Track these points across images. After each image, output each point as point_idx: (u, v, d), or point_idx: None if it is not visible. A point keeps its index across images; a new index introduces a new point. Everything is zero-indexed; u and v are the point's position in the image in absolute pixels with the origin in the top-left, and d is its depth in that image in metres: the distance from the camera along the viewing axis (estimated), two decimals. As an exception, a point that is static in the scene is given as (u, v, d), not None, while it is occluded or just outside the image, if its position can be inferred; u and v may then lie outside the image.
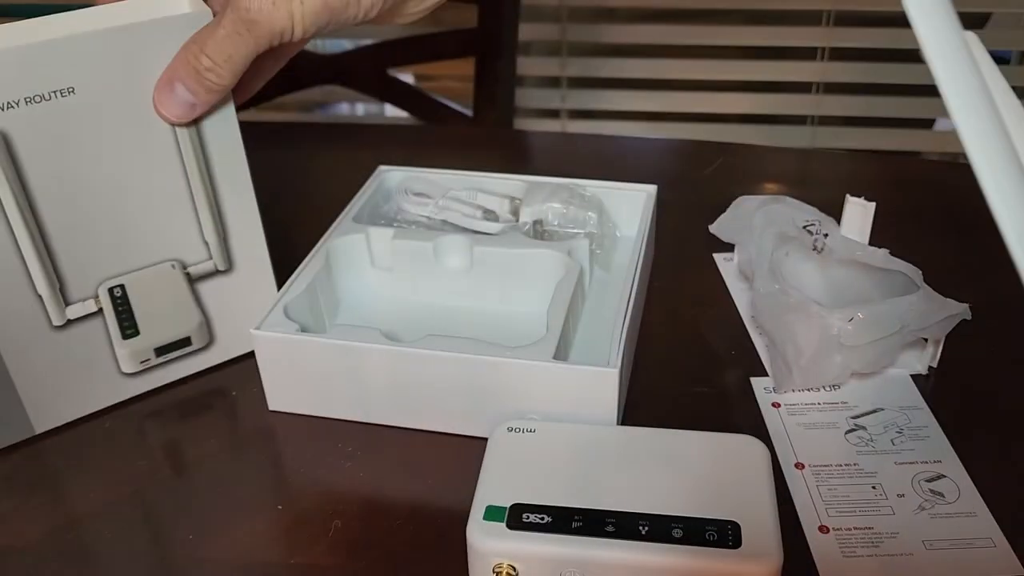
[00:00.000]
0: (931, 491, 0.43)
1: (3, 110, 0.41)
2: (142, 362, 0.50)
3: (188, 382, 0.53)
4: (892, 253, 0.52)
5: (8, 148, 0.42)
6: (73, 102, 0.43)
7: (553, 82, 1.43)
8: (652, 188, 0.60)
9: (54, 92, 0.42)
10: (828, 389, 0.50)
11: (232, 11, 0.41)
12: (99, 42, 0.43)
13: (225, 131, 0.48)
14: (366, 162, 0.64)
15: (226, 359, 0.53)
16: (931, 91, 1.36)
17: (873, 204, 0.54)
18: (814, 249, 0.53)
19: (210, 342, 0.52)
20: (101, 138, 0.45)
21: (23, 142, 0.42)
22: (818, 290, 0.53)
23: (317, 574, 0.41)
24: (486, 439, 0.43)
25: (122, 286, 0.48)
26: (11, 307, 0.45)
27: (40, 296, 0.46)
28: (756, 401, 0.49)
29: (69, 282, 0.46)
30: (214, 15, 0.44)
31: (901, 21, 1.32)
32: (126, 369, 0.50)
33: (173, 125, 0.46)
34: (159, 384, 0.52)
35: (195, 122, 0.47)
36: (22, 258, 0.44)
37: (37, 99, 0.42)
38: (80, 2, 0.45)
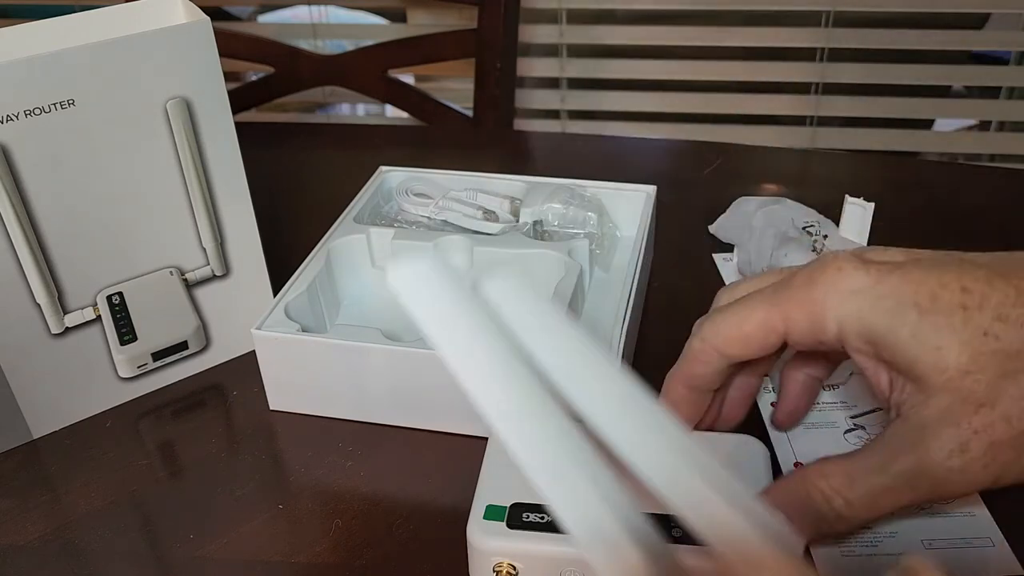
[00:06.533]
0: (930, 491, 0.43)
1: (3, 123, 0.41)
2: (139, 367, 0.51)
3: (189, 382, 0.53)
4: (891, 253, 0.52)
5: (7, 160, 0.42)
6: (72, 114, 0.43)
7: (553, 83, 1.43)
8: (652, 188, 0.60)
9: (53, 104, 0.42)
10: (828, 389, 0.50)
11: (911, 461, 0.33)
12: (98, 54, 0.43)
13: (223, 138, 0.48)
14: (367, 162, 0.64)
15: (222, 361, 0.54)
16: (930, 91, 1.36)
17: (872, 205, 0.54)
18: (813, 250, 0.53)
19: (206, 345, 0.53)
20: (100, 149, 0.45)
21: (22, 154, 0.42)
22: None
23: (317, 573, 0.41)
24: (486, 438, 0.43)
25: (120, 293, 0.48)
26: (9, 316, 0.45)
27: (39, 305, 0.46)
28: (755, 401, 0.49)
29: (68, 290, 0.46)
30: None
31: (900, 22, 1.32)
32: (123, 374, 0.50)
33: None
34: (156, 388, 0.52)
35: (193, 128, 0.47)
36: (21, 268, 0.44)
37: (37, 111, 0.42)
38: (78, 3, 0.46)
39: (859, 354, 0.35)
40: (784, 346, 0.38)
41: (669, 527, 0.37)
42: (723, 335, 0.37)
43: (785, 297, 0.36)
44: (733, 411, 0.43)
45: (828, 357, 0.43)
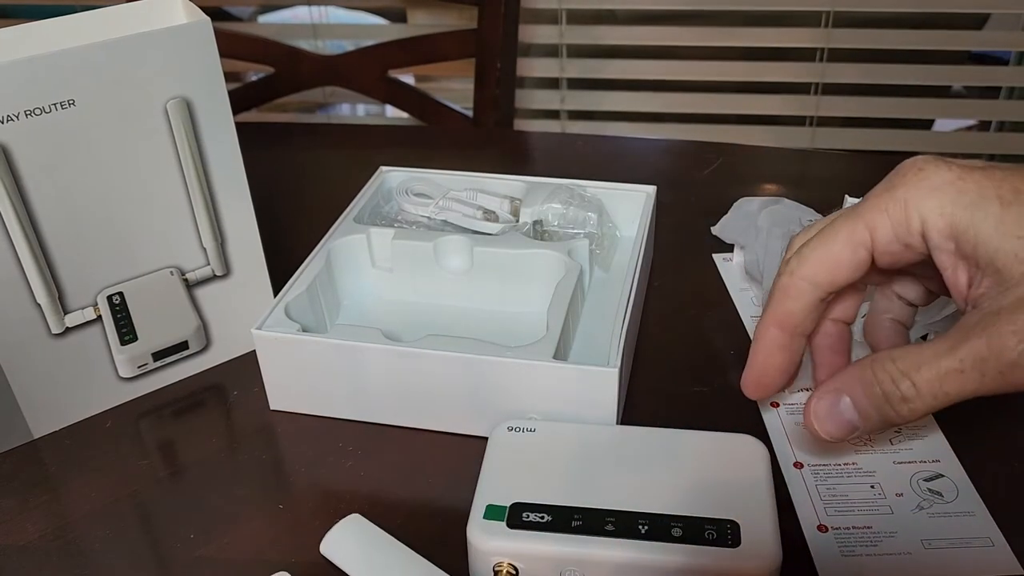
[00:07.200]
0: (929, 490, 0.43)
1: (3, 123, 0.41)
2: (140, 367, 0.51)
3: (190, 382, 0.53)
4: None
5: (8, 160, 0.42)
6: (73, 114, 0.43)
7: (553, 83, 1.43)
8: (651, 189, 0.60)
9: (54, 105, 0.42)
10: (827, 389, 0.50)
11: (981, 344, 0.32)
12: (98, 55, 0.43)
13: (223, 138, 0.48)
14: (367, 163, 0.64)
15: (222, 361, 0.54)
16: (930, 92, 1.36)
17: (872, 204, 0.54)
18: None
19: (207, 345, 0.53)
20: (100, 149, 0.45)
21: (23, 154, 0.43)
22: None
23: (317, 573, 0.41)
24: (486, 439, 0.43)
25: (121, 293, 0.48)
26: (10, 316, 0.45)
27: (39, 305, 0.46)
28: (755, 401, 0.49)
29: (68, 291, 0.46)
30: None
31: (900, 22, 1.32)
32: (124, 374, 0.50)
33: (820, 437, 0.38)
34: (156, 387, 0.52)
35: (194, 128, 0.47)
36: (21, 268, 0.44)
37: (37, 111, 0.42)
38: (79, 3, 0.46)
39: (940, 252, 0.35)
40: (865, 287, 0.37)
41: (669, 527, 0.37)
42: (811, 262, 0.37)
43: (866, 207, 0.36)
44: (832, 360, 0.42)
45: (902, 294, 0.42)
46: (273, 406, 0.50)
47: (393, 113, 1.64)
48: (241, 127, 0.49)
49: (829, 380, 0.37)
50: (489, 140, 0.92)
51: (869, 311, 0.43)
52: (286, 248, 0.56)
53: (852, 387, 0.36)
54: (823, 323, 0.42)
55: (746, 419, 0.48)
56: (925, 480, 0.44)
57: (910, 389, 0.34)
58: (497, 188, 0.60)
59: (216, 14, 1.39)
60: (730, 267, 0.61)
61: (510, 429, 0.43)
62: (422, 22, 1.50)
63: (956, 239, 0.34)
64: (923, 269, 0.39)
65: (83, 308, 0.47)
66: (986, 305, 0.33)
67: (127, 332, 0.49)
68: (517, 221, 0.58)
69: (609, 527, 0.37)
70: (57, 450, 0.48)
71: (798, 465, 0.45)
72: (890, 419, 0.35)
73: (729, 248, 0.62)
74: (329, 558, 0.40)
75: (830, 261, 0.37)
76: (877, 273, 0.40)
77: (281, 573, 0.39)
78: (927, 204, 0.34)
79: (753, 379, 0.40)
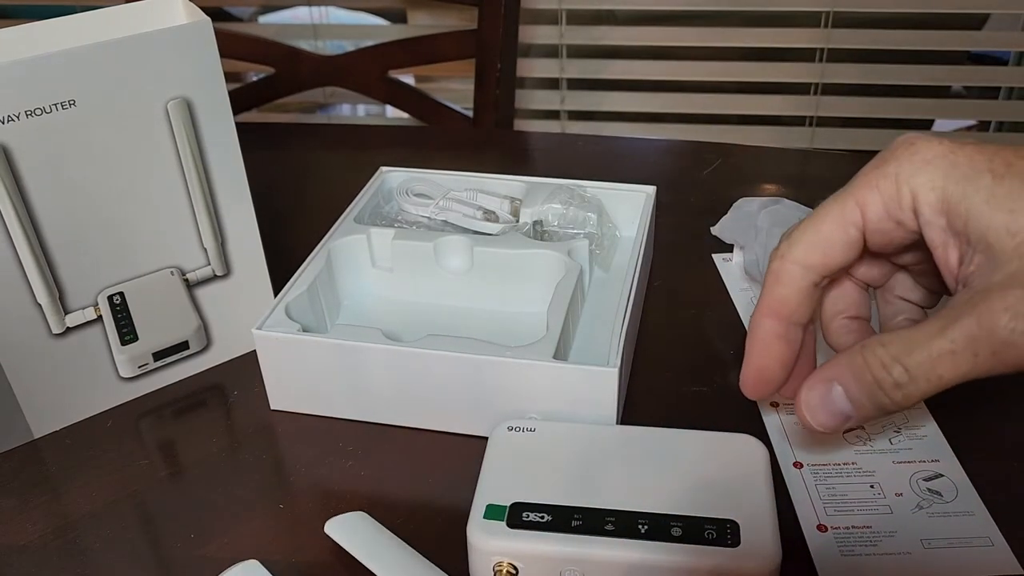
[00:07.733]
0: (929, 490, 0.43)
1: (4, 123, 0.41)
2: (140, 367, 0.51)
3: (190, 382, 0.53)
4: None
5: (8, 160, 0.42)
6: (73, 114, 0.43)
7: (553, 83, 1.44)
8: (651, 189, 0.60)
9: (55, 105, 0.42)
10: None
11: (972, 323, 0.31)
12: (99, 55, 0.43)
13: (223, 139, 0.48)
14: (367, 163, 0.64)
15: (223, 361, 0.54)
16: (930, 92, 1.36)
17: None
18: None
19: (207, 345, 0.53)
20: (101, 149, 0.45)
21: (23, 154, 0.43)
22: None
23: (317, 573, 0.41)
24: (486, 438, 0.43)
25: (121, 293, 0.48)
26: (11, 316, 0.45)
27: (40, 305, 0.46)
28: (755, 401, 0.49)
29: (69, 291, 0.47)
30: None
31: (899, 22, 1.32)
32: (124, 374, 0.50)
33: (813, 429, 0.36)
34: (156, 387, 0.52)
35: (194, 128, 0.47)
36: (22, 268, 0.44)
37: (38, 112, 0.42)
38: (80, 3, 0.46)
39: (931, 227, 0.34)
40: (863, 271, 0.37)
41: (669, 527, 0.37)
42: (801, 244, 0.36)
43: (856, 185, 0.35)
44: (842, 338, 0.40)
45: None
46: (273, 406, 0.50)
47: (393, 113, 1.64)
48: (241, 127, 0.49)
49: (819, 369, 0.36)
50: (489, 140, 0.92)
51: (881, 323, 0.42)
52: (286, 248, 0.56)
53: (843, 375, 0.34)
54: (840, 321, 0.41)
55: (746, 419, 0.48)
56: (924, 480, 0.44)
57: (902, 374, 0.33)
58: (497, 188, 0.60)
59: (216, 14, 1.39)
60: (730, 267, 0.61)
61: (510, 429, 0.43)
62: (422, 22, 1.50)
63: (947, 213, 0.33)
64: (915, 256, 0.38)
65: (84, 308, 0.47)
66: (976, 283, 0.32)
67: (128, 332, 0.49)
68: (517, 221, 0.58)
69: (609, 527, 0.37)
70: (57, 450, 0.48)
71: (798, 465, 0.45)
72: (884, 406, 0.34)
73: (729, 248, 0.62)
74: (332, 536, 0.41)
75: (821, 242, 0.36)
76: (872, 264, 0.40)
77: (250, 561, 0.39)
78: (918, 178, 0.33)
79: (752, 375, 0.39)
